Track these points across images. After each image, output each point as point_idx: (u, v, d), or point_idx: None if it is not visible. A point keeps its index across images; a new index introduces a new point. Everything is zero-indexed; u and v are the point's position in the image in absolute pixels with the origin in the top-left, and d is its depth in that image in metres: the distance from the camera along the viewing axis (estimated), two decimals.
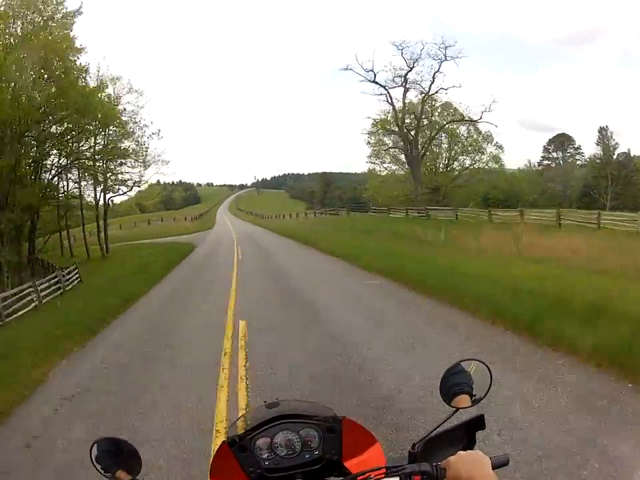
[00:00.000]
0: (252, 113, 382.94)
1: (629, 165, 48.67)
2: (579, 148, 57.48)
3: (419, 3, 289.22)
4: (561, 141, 57.17)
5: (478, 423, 1.32)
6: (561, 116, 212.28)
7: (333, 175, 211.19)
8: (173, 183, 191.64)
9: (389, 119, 44.36)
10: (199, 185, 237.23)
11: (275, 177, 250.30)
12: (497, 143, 47.03)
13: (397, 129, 43.30)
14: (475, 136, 46.40)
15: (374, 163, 48.66)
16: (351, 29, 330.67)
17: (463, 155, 47.36)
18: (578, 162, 57.45)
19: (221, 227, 65.54)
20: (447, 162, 47.98)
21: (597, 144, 52.98)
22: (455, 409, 1.31)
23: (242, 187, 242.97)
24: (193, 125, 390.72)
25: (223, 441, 1.20)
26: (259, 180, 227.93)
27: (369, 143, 47.22)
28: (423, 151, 43.28)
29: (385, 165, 48.56)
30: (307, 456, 1.19)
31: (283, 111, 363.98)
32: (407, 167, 45.36)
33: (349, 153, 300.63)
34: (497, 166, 46.93)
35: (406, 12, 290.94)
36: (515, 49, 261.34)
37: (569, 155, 57.37)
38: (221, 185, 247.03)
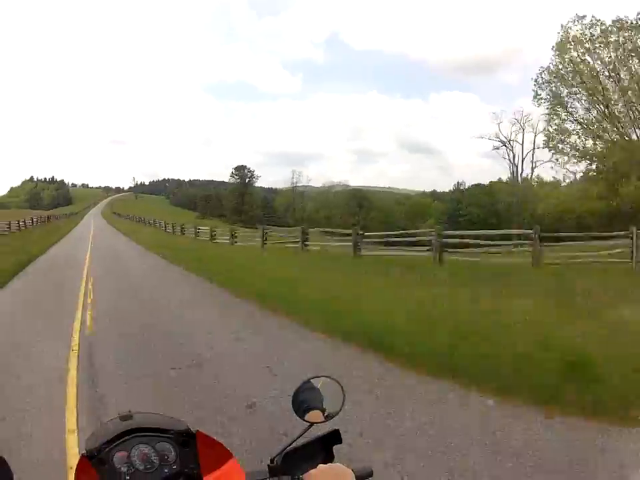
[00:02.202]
0: (132, 116, 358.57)
1: None
2: None
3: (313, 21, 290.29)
4: None
5: (334, 437, 1.27)
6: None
7: (213, 183, 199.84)
8: (45, 179, 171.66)
9: None
10: (74, 185, 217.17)
11: (153, 181, 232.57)
12: None
13: None
14: None
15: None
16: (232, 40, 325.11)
17: None
18: None
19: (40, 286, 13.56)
20: None
21: None
22: (309, 423, 1.28)
23: (118, 190, 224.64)
24: (73, 123, 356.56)
25: (82, 454, 1.09)
26: (138, 183, 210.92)
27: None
28: None
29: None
30: (165, 470, 1.10)
31: (166, 115, 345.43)
32: None
33: (227, 162, 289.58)
34: None
35: (301, 29, 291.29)
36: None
37: None
38: (96, 187, 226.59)
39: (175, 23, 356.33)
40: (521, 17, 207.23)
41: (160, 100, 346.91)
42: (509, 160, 60.72)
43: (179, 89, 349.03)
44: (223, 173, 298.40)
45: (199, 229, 32.82)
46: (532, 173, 60.99)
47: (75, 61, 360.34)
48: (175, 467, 1.12)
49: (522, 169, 61.54)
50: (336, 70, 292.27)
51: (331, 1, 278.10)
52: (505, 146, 59.31)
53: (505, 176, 77.95)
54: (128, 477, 1.08)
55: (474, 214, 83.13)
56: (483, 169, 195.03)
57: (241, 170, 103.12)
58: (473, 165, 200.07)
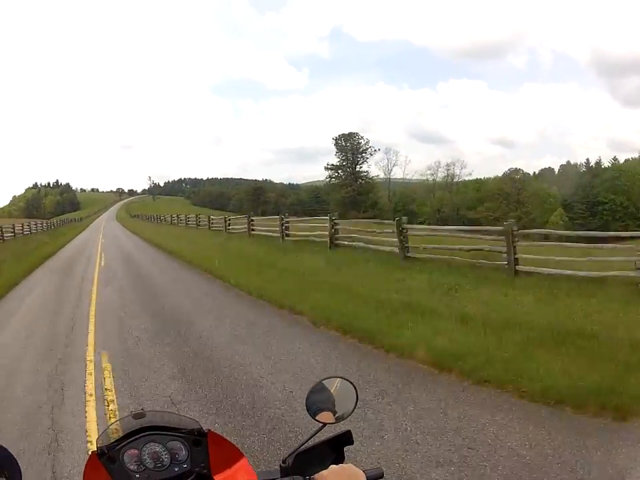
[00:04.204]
0: (140, 119, 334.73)
1: None
2: None
3: (315, 14, 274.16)
4: None
5: (345, 438, 1.22)
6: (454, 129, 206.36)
7: (232, 181, 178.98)
8: (48, 184, 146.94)
9: None
10: (83, 190, 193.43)
11: (168, 182, 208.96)
12: None
13: None
14: None
15: None
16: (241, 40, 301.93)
17: None
18: None
19: None
20: None
21: None
22: (321, 424, 1.24)
23: (132, 192, 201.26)
24: (80, 129, 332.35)
25: (93, 451, 1.06)
26: (154, 184, 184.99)
27: None
28: None
29: None
30: (176, 469, 1.07)
31: (174, 116, 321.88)
32: None
33: (241, 157, 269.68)
34: None
35: (304, 23, 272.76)
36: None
37: None
38: (107, 192, 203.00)
39: (178, 25, 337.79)
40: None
41: (167, 102, 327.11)
42: None
43: (186, 89, 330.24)
44: (234, 172, 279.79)
45: None
46: None
47: (81, 72, 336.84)
48: (185, 465, 1.08)
49: None
50: (341, 63, 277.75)
51: None
52: None
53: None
54: (138, 475, 1.04)
55: (616, 202, 70.39)
56: (494, 156, 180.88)
57: (349, 139, 71.93)
58: (484, 152, 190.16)
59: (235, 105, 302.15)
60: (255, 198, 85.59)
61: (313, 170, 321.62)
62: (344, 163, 73.36)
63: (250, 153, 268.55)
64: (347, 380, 1.31)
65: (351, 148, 71.49)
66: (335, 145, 74.29)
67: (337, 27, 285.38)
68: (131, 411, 1.14)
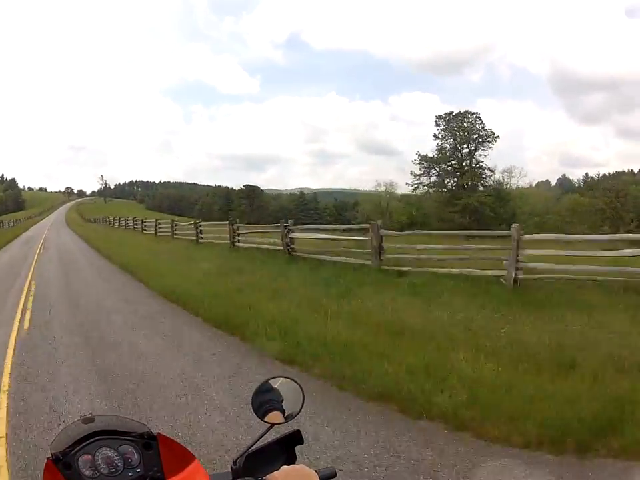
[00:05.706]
0: (90, 120, 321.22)
1: None
2: None
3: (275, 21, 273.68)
4: None
5: (295, 437, 1.21)
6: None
7: (186, 185, 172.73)
8: None
9: None
10: (31, 189, 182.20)
11: (119, 184, 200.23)
12: None
13: None
14: None
15: None
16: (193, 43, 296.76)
17: None
18: None
19: None
20: None
21: None
22: (269, 424, 1.23)
23: (81, 193, 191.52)
24: (28, 128, 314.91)
25: (48, 458, 1.05)
26: (106, 185, 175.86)
27: None
28: None
29: None
30: (130, 474, 1.06)
31: (124, 118, 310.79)
32: None
33: (189, 162, 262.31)
34: None
35: (262, 29, 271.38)
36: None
37: None
38: (56, 192, 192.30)
39: (134, 24, 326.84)
40: (484, 15, 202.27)
41: (117, 103, 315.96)
42: None
43: (137, 91, 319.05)
44: (181, 177, 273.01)
45: None
46: None
47: (29, 67, 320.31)
48: (138, 470, 1.07)
49: None
50: (296, 71, 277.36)
51: (293, 1, 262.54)
52: None
53: None
54: None
55: None
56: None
57: (457, 121, 52.09)
58: None
59: (186, 109, 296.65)
60: (250, 202, 77.56)
61: (260, 179, 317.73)
62: (451, 157, 53.00)
63: (198, 158, 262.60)
64: (291, 379, 1.29)
65: (462, 134, 51.80)
66: (437, 125, 53.88)
67: (294, 33, 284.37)
68: (80, 416, 1.12)
